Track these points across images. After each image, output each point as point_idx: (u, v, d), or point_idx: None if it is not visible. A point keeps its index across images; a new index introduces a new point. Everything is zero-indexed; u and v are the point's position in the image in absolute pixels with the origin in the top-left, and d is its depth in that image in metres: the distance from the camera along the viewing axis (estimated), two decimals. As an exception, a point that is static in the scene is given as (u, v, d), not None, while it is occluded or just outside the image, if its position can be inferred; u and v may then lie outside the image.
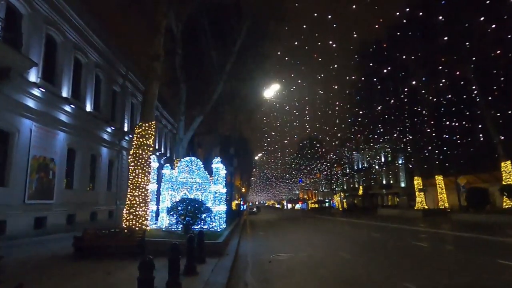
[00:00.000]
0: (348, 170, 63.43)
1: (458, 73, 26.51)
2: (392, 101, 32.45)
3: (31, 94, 12.84)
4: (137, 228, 10.63)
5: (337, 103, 35.52)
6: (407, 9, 24.23)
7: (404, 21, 25.38)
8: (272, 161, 68.69)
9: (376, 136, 37.86)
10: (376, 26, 24.29)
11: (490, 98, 25.28)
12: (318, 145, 59.74)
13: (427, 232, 17.23)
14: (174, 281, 5.27)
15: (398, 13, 24.41)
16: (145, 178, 12.10)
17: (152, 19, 13.99)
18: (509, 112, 24.31)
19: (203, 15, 18.74)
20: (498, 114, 25.36)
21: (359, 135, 40.48)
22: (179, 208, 11.48)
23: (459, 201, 29.14)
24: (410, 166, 40.19)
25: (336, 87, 37.10)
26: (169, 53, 17.86)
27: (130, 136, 21.59)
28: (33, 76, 12.93)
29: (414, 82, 30.48)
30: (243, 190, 62.59)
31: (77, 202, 16.28)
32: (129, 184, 12.02)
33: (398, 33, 27.13)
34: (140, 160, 12.08)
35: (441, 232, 16.99)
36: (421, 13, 23.84)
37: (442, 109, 30.51)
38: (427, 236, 15.10)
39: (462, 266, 8.26)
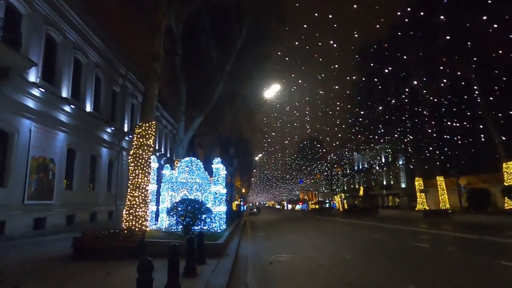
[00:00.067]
0: (348, 171, 63.35)
1: (459, 73, 26.46)
2: (393, 101, 32.42)
3: (31, 94, 12.79)
4: (136, 229, 10.56)
5: (338, 103, 35.52)
6: (408, 9, 24.19)
7: (406, 20, 25.35)
8: (273, 162, 68.74)
9: (376, 137, 37.84)
10: (377, 26, 24.26)
11: (491, 98, 25.22)
12: (318, 145, 59.74)
13: (428, 233, 17.15)
14: (173, 282, 5.21)
15: (399, 13, 24.39)
16: (145, 178, 12.03)
17: (152, 19, 13.93)
18: (511, 112, 24.25)
19: (203, 15, 18.70)
20: (500, 115, 25.29)
21: (359, 136, 40.46)
22: (179, 208, 11.41)
23: (460, 202, 29.08)
24: (411, 167, 40.13)
25: (336, 87, 37.11)
26: (169, 53, 17.81)
27: (130, 136, 21.53)
28: (32, 76, 12.87)
29: (415, 82, 30.43)
30: (243, 190, 62.52)
31: (77, 203, 16.22)
32: (129, 184, 11.95)
33: (399, 33, 27.10)
34: (140, 161, 12.02)
35: (443, 233, 16.91)
36: (422, 13, 23.79)
37: (443, 109, 30.48)
38: (428, 237, 15.02)
39: (465, 267, 8.19)
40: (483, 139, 27.91)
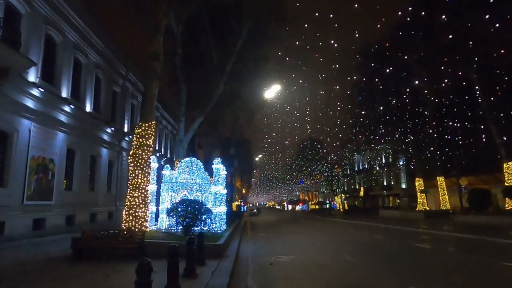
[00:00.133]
0: (349, 171, 63.25)
1: (460, 73, 26.39)
2: (394, 101, 32.35)
3: (30, 94, 12.73)
4: (136, 230, 10.50)
5: (338, 103, 35.48)
6: (410, 8, 24.14)
7: (408, 19, 25.29)
8: (273, 162, 68.65)
9: (377, 137, 37.75)
10: (378, 26, 24.24)
11: (492, 98, 25.15)
12: (319, 146, 59.65)
13: (429, 233, 17.08)
14: (173, 284, 5.15)
15: (400, 13, 24.34)
16: (145, 179, 11.97)
17: (152, 19, 13.88)
18: (512, 112, 24.20)
19: (204, 15, 18.65)
20: (502, 115, 25.21)
21: (360, 136, 40.37)
22: (179, 209, 11.35)
23: (461, 202, 29.00)
24: (412, 167, 40.06)
25: (337, 87, 37.07)
26: (169, 53, 17.77)
27: (130, 137, 21.47)
28: (32, 76, 12.82)
29: (416, 82, 30.37)
30: (244, 191, 62.47)
31: (77, 203, 16.16)
32: (128, 185, 11.89)
33: (400, 33, 27.05)
34: (140, 161, 11.96)
35: (444, 234, 16.83)
36: (423, 13, 23.74)
37: (444, 109, 30.40)
38: (429, 238, 14.95)
39: (466, 268, 8.12)
40: (484, 140, 27.85)
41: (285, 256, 10.16)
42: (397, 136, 34.94)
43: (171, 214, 11.75)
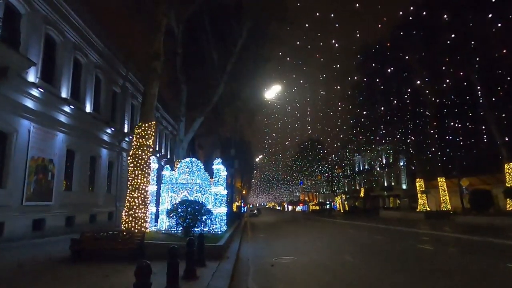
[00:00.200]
0: (349, 172, 63.14)
1: (461, 73, 26.31)
2: (395, 102, 32.27)
3: (30, 94, 12.68)
4: (136, 231, 10.43)
5: (339, 104, 35.40)
6: (411, 8, 24.09)
7: (410, 18, 25.22)
8: (273, 163, 68.58)
9: (378, 138, 37.67)
10: (379, 26, 24.21)
11: (493, 99, 25.07)
12: (319, 146, 59.57)
13: (430, 234, 16.99)
14: (173, 286, 5.09)
15: (401, 13, 24.29)
16: (145, 179, 11.90)
17: (152, 19, 13.84)
18: (513, 113, 24.13)
19: (204, 15, 18.62)
20: (503, 115, 25.13)
21: (360, 137, 40.30)
22: (179, 210, 11.27)
23: (462, 203, 28.90)
24: (412, 168, 39.96)
25: (338, 87, 37.03)
26: (169, 54, 17.72)
27: (130, 137, 21.41)
28: (31, 76, 12.77)
29: (418, 83, 30.30)
30: (244, 192, 62.39)
31: (76, 204, 16.09)
32: (128, 185, 11.82)
33: (401, 33, 26.99)
34: (139, 161, 11.89)
35: (445, 235, 16.75)
36: (424, 13, 23.68)
37: (445, 110, 30.31)
38: (430, 239, 14.86)
39: (469, 270, 8.04)
40: (485, 140, 27.76)
41: (286, 257, 10.09)
42: (397, 136, 34.86)
43: (171, 215, 11.67)
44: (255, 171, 71.00)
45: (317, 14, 20.04)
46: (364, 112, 35.44)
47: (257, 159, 58.32)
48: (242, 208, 49.58)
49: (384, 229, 20.74)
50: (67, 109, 15.19)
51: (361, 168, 61.43)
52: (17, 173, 12.10)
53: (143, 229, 11.10)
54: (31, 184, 12.79)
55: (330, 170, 60.81)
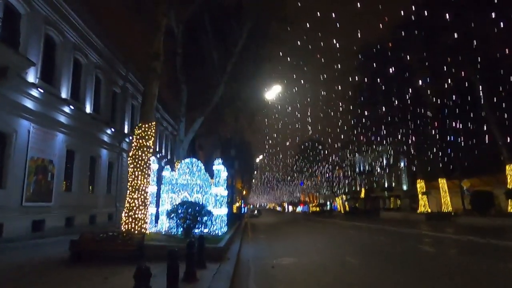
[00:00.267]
0: (350, 173, 63.07)
1: (463, 74, 26.22)
2: (396, 102, 32.19)
3: (29, 94, 12.64)
4: (136, 232, 10.37)
5: (340, 104, 35.33)
6: (413, 7, 24.00)
7: (409, 20, 25.13)
8: (274, 164, 68.51)
9: (379, 138, 37.57)
10: (380, 26, 24.14)
11: (495, 100, 24.98)
12: (320, 147, 59.52)
13: (431, 235, 16.91)
14: (173, 288, 5.02)
15: (402, 13, 24.21)
16: (145, 180, 11.83)
17: (152, 19, 13.78)
18: (514, 113, 24.04)
19: (204, 15, 18.57)
20: (505, 116, 25.04)
21: (361, 137, 40.21)
22: (179, 211, 11.20)
23: (463, 204, 28.82)
24: (413, 169, 39.87)
25: (339, 88, 37.00)
26: (169, 54, 17.67)
27: (130, 138, 21.37)
28: (31, 76, 12.73)
29: (420, 83, 30.21)
30: (244, 192, 62.31)
31: (76, 205, 16.05)
32: (128, 186, 11.75)
33: (402, 33, 26.91)
34: (139, 162, 11.82)
35: (446, 236, 16.67)
36: (426, 13, 23.61)
37: (446, 111, 30.22)
38: (431, 240, 14.79)
39: (470, 271, 7.96)
40: (486, 141, 27.65)
41: (286, 258, 10.02)
42: (398, 137, 34.78)
43: (171, 216, 11.60)
44: (255, 172, 70.94)
45: (318, 14, 19.96)
46: (365, 113, 35.35)
47: (257, 160, 58.27)
48: (243, 209, 49.49)
49: (385, 230, 20.66)
50: (67, 109, 15.15)
51: (362, 169, 61.36)
52: (16, 173, 12.06)
53: (143, 230, 11.04)
54: (31, 184, 12.74)
55: (331, 171, 60.79)
